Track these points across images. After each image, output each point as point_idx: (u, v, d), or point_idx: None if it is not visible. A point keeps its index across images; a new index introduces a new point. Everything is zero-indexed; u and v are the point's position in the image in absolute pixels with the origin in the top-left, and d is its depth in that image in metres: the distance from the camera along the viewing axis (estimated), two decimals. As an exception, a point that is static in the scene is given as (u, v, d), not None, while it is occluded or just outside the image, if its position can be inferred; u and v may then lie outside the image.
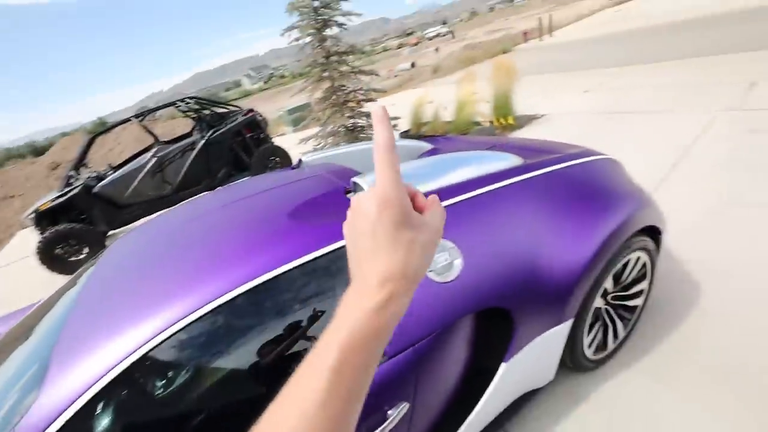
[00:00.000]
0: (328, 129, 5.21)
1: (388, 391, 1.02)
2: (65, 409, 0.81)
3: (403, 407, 1.03)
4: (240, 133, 6.05)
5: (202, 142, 5.68)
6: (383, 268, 0.31)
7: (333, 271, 1.13)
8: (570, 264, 1.33)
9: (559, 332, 1.37)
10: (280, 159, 6.26)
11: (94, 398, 0.83)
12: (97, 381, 0.84)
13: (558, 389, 1.64)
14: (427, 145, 2.34)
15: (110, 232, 5.34)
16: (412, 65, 21.17)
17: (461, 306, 1.14)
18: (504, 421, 1.45)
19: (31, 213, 4.98)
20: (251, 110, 6.28)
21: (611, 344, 1.67)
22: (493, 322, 1.27)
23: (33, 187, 13.57)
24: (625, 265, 1.59)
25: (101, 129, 5.87)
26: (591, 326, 1.56)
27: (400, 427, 1.03)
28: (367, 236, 0.32)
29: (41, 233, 4.81)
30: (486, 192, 1.36)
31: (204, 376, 1.02)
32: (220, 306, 0.96)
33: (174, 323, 0.91)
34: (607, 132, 4.44)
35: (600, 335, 1.62)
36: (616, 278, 1.59)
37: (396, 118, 5.58)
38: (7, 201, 12.65)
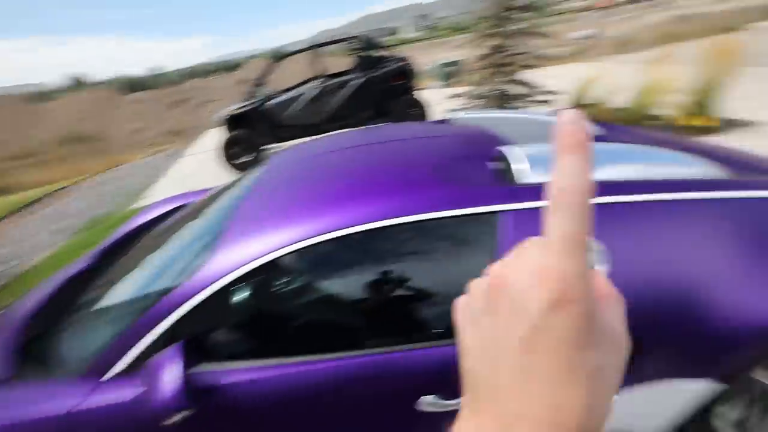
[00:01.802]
0: (480, 90, 4.93)
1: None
2: (226, 274, 1.02)
3: None
4: (389, 80, 6.23)
5: (359, 81, 6.05)
6: (548, 415, 0.17)
7: (456, 237, 1.11)
8: (743, 319, 1.04)
9: (690, 388, 1.12)
10: (420, 112, 6.30)
11: (243, 276, 1.02)
12: (249, 262, 1.03)
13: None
14: (598, 130, 2.00)
15: (265, 146, 6.30)
16: (594, 34, 18.09)
17: None
18: None
19: (222, 116, 6.18)
20: (404, 58, 6.35)
21: None
22: None
23: (225, 96, 16.95)
24: None
25: (280, 56, 6.70)
26: (743, 402, 1.23)
27: None
28: (516, 348, 0.18)
29: (228, 133, 5.99)
30: (662, 200, 1.11)
31: (317, 289, 1.16)
32: (344, 236, 1.04)
33: (309, 238, 1.04)
34: None
35: (755, 419, 1.27)
36: None
37: (552, 93, 4.93)
38: (207, 104, 16.28)
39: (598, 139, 1.92)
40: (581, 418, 0.17)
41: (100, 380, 0.97)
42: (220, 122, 6.18)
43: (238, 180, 1.76)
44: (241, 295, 1.15)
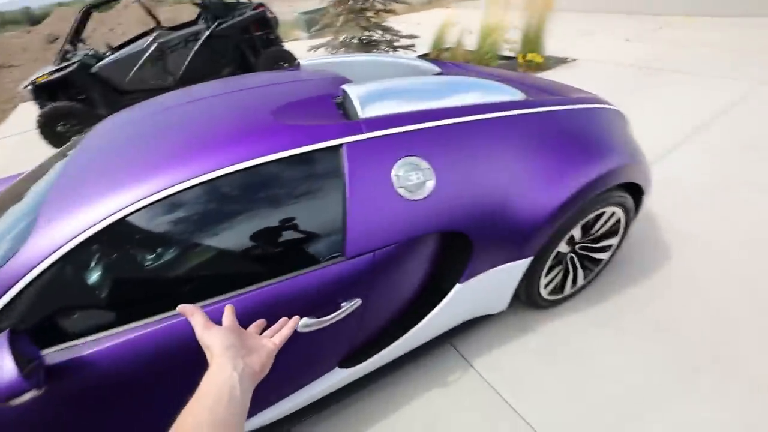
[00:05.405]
0: (340, 39, 4.82)
1: (345, 287, 1.13)
2: (47, 257, 0.91)
3: (356, 302, 1.14)
4: (248, 30, 5.61)
5: (207, 33, 5.30)
6: None
7: (306, 172, 1.16)
8: (538, 206, 1.36)
9: (517, 267, 1.45)
10: (289, 65, 5.92)
11: (71, 251, 0.93)
12: (75, 237, 0.92)
13: (509, 318, 1.78)
14: (436, 68, 2.24)
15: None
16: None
17: (424, 224, 1.20)
18: (453, 338, 1.63)
19: (29, 84, 4.83)
20: (261, 4, 5.76)
21: (568, 289, 1.77)
22: (454, 245, 1.35)
23: (31, 59, 12.96)
24: (598, 218, 1.62)
25: (97, 2, 5.38)
26: (551, 268, 1.64)
27: (350, 320, 1.16)
28: None
29: (40, 107, 4.74)
30: (474, 120, 1.34)
31: (166, 247, 1.08)
32: (189, 188, 1.01)
33: (147, 196, 0.98)
34: (635, 87, 4.24)
35: (559, 279, 1.72)
36: (586, 228, 1.63)
37: (414, 37, 5.16)
38: (6, 70, 12.16)
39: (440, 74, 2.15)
40: None
41: None
42: (32, 92, 4.84)
43: (61, 152, 1.52)
44: (75, 270, 1.02)
